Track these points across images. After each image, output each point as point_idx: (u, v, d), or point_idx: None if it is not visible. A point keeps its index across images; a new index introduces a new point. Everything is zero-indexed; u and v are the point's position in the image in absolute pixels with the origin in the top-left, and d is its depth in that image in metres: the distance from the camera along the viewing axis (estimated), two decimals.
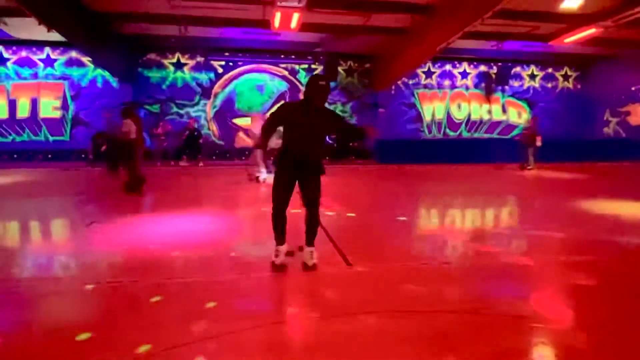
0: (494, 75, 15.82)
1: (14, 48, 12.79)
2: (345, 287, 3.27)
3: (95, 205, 6.89)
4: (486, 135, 16.26)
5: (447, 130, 16.08)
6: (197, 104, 14.07)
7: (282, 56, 14.32)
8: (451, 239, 4.92)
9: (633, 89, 16.38)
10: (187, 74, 13.93)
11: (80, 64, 13.23)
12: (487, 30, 11.57)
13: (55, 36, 9.85)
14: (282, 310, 2.98)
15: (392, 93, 15.35)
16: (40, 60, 13.11)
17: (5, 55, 12.85)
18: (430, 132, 15.97)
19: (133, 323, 2.61)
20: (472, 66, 15.89)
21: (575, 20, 10.79)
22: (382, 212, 6.32)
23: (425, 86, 15.80)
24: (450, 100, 15.99)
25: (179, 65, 13.86)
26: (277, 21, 10.29)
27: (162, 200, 7.54)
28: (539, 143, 11.59)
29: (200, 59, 13.85)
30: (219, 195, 8.07)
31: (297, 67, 14.61)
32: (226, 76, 14.17)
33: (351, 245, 4.37)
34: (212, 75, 14.06)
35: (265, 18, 10.59)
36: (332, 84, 14.65)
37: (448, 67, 15.78)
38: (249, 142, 11.08)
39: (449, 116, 16.04)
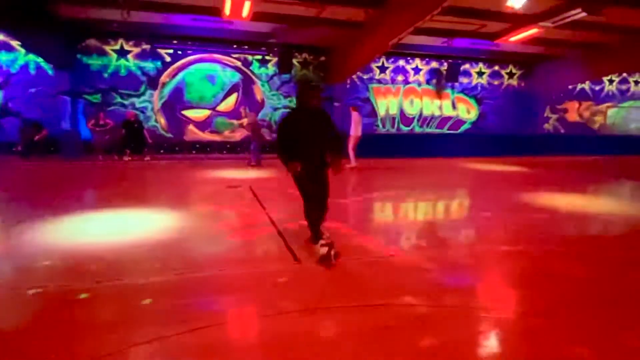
0: (444, 72, 16.28)
1: None
2: (291, 285, 3.17)
3: (25, 203, 6.28)
4: (437, 130, 16.75)
5: (401, 125, 16.38)
6: (143, 94, 13.28)
7: (235, 46, 13.84)
8: (399, 231, 4.94)
9: (570, 87, 17.57)
10: (131, 62, 13.09)
11: (9, 49, 12.04)
12: (437, 27, 11.86)
13: None
14: (225, 311, 2.81)
15: (347, 87, 15.35)
16: None
17: None
18: (384, 126, 16.18)
19: (62, 330, 2.40)
20: (424, 62, 16.25)
21: (519, 20, 11.28)
22: (334, 206, 6.25)
23: (379, 81, 15.96)
24: (404, 96, 16.28)
25: (122, 53, 12.98)
26: (227, 9, 9.90)
27: (100, 197, 7.06)
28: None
29: (145, 46, 13.05)
30: (164, 191, 7.66)
31: (250, 57, 14.19)
32: (174, 65, 13.47)
33: (301, 241, 4.26)
34: (159, 63, 13.31)
35: (215, 5, 10.14)
36: (286, 77, 14.45)
37: (401, 62, 16.04)
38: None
39: (402, 111, 16.33)
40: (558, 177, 10.48)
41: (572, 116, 18.28)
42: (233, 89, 14.14)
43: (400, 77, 16.16)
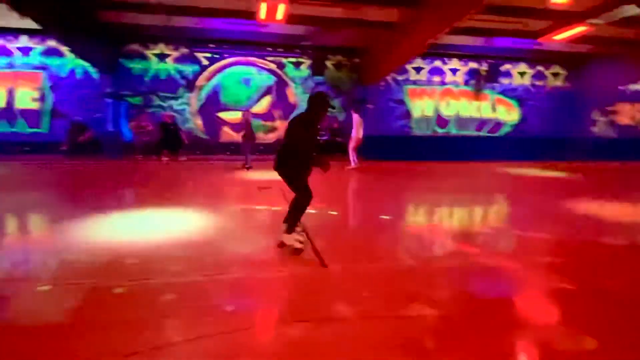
0: (483, 72, 15.71)
1: None
2: (318, 289, 3.10)
3: (68, 200, 6.59)
4: (475, 133, 16.18)
5: (436, 128, 15.95)
6: (181, 96, 13.69)
7: (269, 49, 13.99)
8: (433, 238, 4.75)
9: (621, 88, 16.43)
10: (170, 65, 13.53)
11: (59, 54, 12.77)
12: (476, 26, 11.43)
13: (32, 23, 9.43)
14: (251, 314, 2.76)
15: (381, 89, 15.13)
16: (18, 49, 12.62)
17: None
18: (419, 128, 15.81)
19: (93, 326, 2.44)
20: (462, 62, 15.75)
21: (565, 17, 10.68)
22: (365, 210, 6.13)
23: (414, 82, 15.62)
24: (440, 97, 15.85)
25: (162, 57, 13.45)
26: (262, 12, 10.02)
27: (137, 196, 7.28)
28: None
29: (184, 50, 13.46)
30: (198, 191, 7.81)
31: (284, 60, 14.30)
32: (211, 68, 13.79)
33: (328, 244, 4.20)
34: (196, 67, 13.69)
35: (251, 10, 10.28)
36: (320, 79, 14.45)
37: (438, 63, 15.62)
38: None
39: (438, 113, 15.90)
40: (606, 183, 9.80)
41: (624, 119, 17.09)
42: (267, 91, 14.29)
43: (436, 78, 15.75)
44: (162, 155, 12.22)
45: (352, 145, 10.90)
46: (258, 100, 14.20)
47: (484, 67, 15.60)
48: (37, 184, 8.20)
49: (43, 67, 12.80)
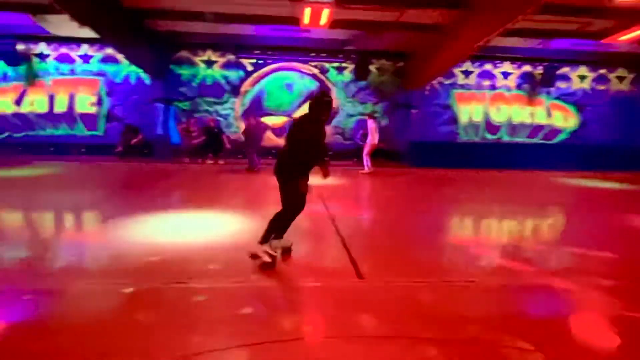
0: (538, 76, 14.79)
1: (55, 44, 13.24)
2: (352, 302, 2.92)
3: (118, 200, 6.87)
4: (528, 140, 15.24)
5: (486, 134, 15.21)
6: (226, 101, 14.03)
7: (312, 54, 14.01)
8: (480, 253, 4.41)
9: None
10: (217, 71, 13.92)
11: (115, 61, 13.53)
12: (532, 27, 10.74)
13: (91, 32, 10.03)
14: (280, 328, 2.63)
15: (427, 93, 14.67)
16: (79, 56, 13.52)
17: (46, 51, 13.33)
18: (466, 134, 15.16)
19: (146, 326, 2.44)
20: (514, 66, 14.92)
21: (632, 17, 9.77)
22: (408, 219, 5.86)
23: (462, 86, 15.01)
24: (490, 102, 15.11)
25: (209, 63, 13.87)
26: (306, 17, 10.02)
27: (182, 197, 7.46)
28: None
29: (230, 56, 13.80)
30: (238, 194, 7.87)
31: (327, 65, 14.27)
32: (255, 74, 14.03)
33: (367, 255, 4.02)
34: (241, 73, 13.98)
35: (295, 15, 10.32)
36: (363, 84, 14.26)
37: (488, 66, 14.91)
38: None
39: (487, 118, 15.16)
40: None
41: None
42: (309, 96, 14.31)
43: (486, 82, 15.03)
44: (207, 159, 12.57)
45: (366, 150, 11.35)
46: (300, 105, 14.24)
47: (539, 70, 14.69)
48: (92, 184, 8.67)
49: (101, 74, 13.62)
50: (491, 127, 15.18)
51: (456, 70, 14.70)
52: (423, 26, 11.02)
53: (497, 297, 3.16)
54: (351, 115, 14.59)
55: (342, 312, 2.80)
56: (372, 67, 14.18)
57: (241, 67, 13.97)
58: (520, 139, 15.23)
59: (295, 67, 14.15)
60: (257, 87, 14.11)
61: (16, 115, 13.44)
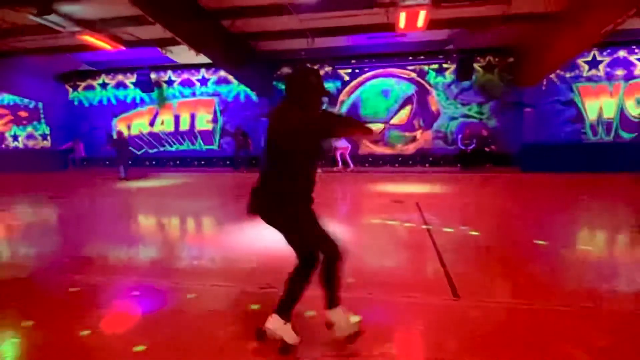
0: None
1: (179, 71, 15.21)
2: (447, 326, 2.68)
3: (229, 207, 7.53)
4: None
5: (620, 132, 12.96)
6: None
7: (410, 58, 13.62)
8: (604, 273, 3.70)
9: None
10: None
11: (227, 82, 14.96)
12: None
13: (206, 58, 11.29)
14: (369, 345, 2.46)
15: (543, 89, 13.10)
16: (198, 80, 15.29)
17: (173, 77, 15.38)
18: (595, 134, 13.11)
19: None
20: None
21: None
22: (516, 232, 5.23)
23: (589, 79, 13.05)
24: (625, 95, 12.85)
25: None
26: (402, 22, 9.75)
27: None
28: None
29: (328, 68, 14.18)
30: (333, 202, 7.94)
31: (426, 67, 13.72)
32: (352, 83, 14.18)
33: (466, 272, 3.67)
34: (338, 84, 14.26)
35: (389, 21, 10.16)
36: (467, 84, 13.37)
37: (622, 53, 12.72)
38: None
39: (622, 114, 12.91)
40: None
41: None
42: (407, 101, 13.91)
43: (620, 72, 12.84)
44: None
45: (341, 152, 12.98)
46: (398, 110, 13.92)
47: None
48: (209, 192, 9.74)
49: (216, 94, 15.19)
50: (628, 123, 12.88)
51: (580, 61, 12.86)
52: (534, 16, 9.88)
53: (619, 327, 2.59)
54: (454, 118, 13.76)
55: (431, 331, 2.59)
56: (476, 66, 13.20)
57: (338, 77, 14.25)
58: None
59: (392, 72, 13.92)
60: (354, 96, 14.22)
61: (150, 134, 15.75)
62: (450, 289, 3.25)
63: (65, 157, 15.50)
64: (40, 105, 16.06)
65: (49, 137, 16.24)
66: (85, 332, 2.65)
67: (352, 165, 13.10)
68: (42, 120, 16.23)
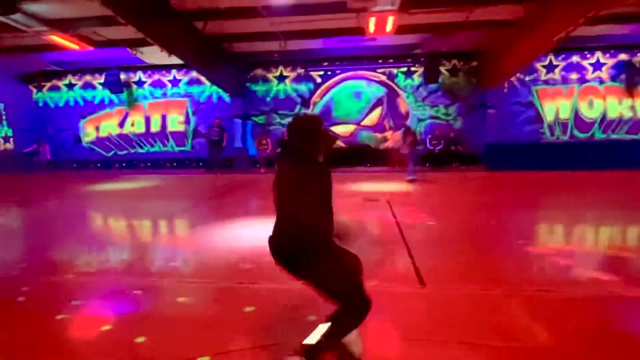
0: (639, 65, 13.13)
1: (149, 72, 15.00)
2: (410, 310, 2.94)
3: (202, 209, 7.58)
4: (629, 137, 13.55)
5: (575, 132, 13.85)
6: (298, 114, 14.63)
7: (380, 61, 14.05)
8: (560, 261, 4.09)
9: None
10: (288, 85, 14.61)
11: (199, 83, 14.89)
12: (625, 11, 9.64)
13: (178, 59, 11.24)
14: None
15: (505, 92, 13.82)
16: (169, 81, 15.13)
17: (143, 78, 15.15)
18: (553, 134, 13.95)
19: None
20: (607, 55, 13.44)
21: None
22: (480, 226, 5.62)
23: (546, 82, 13.88)
24: (579, 97, 13.75)
25: (281, 78, 14.63)
26: (371, 27, 10.10)
27: (257, 206, 7.94)
28: None
29: (300, 70, 14.40)
30: None
31: (395, 70, 14.18)
32: (324, 85, 14.45)
33: (432, 262, 3.96)
34: (311, 85, 14.50)
35: (360, 26, 10.48)
36: (434, 86, 13.90)
37: (575, 58, 13.62)
38: None
39: (577, 115, 13.81)
40: None
41: None
42: (377, 103, 14.32)
43: (574, 76, 13.73)
44: None
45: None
46: (369, 112, 14.31)
47: (639, 58, 13.05)
48: (182, 194, 9.68)
49: (187, 95, 15.09)
50: (582, 124, 13.79)
51: (538, 65, 13.67)
52: (496, 22, 10.49)
53: (572, 309, 2.93)
54: (421, 120, 14.29)
55: (400, 315, 2.84)
56: (443, 69, 13.77)
57: (311, 79, 14.49)
58: (618, 136, 13.61)
59: (363, 75, 14.30)
60: (326, 98, 14.50)
61: (120, 135, 15.44)
62: (417, 278, 3.53)
63: (30, 160, 14.97)
64: (1, 106, 15.43)
65: (11, 140, 15.63)
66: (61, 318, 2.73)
67: None
68: (4, 122, 15.59)
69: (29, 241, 5.67)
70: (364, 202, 7.55)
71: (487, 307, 2.94)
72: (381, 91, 14.27)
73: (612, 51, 13.33)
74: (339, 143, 12.66)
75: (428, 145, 13.91)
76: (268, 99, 14.71)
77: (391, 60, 14.00)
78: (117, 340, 2.59)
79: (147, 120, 15.29)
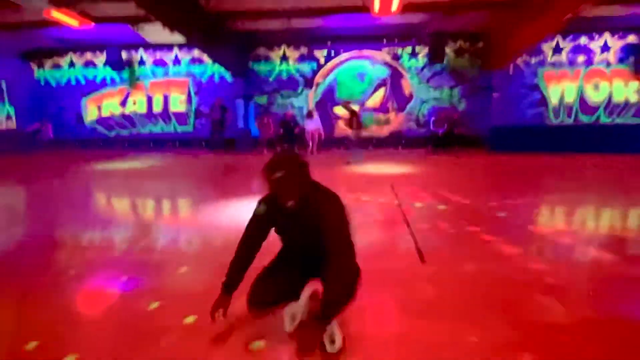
0: None
1: (151, 50, 14.83)
2: (412, 286, 3.01)
3: (205, 188, 7.64)
4: (634, 121, 13.45)
5: (580, 115, 13.75)
6: (301, 94, 14.52)
7: (385, 40, 13.84)
8: (559, 240, 4.14)
9: None
10: (291, 65, 14.45)
11: (201, 62, 14.74)
12: None
13: (180, 37, 11.08)
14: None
15: (510, 74, 13.66)
16: (171, 60, 14.98)
17: (145, 57, 14.99)
18: (557, 117, 13.85)
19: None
20: (615, 37, 13.21)
21: None
22: (480, 206, 5.65)
23: (552, 64, 13.69)
24: (585, 80, 13.59)
25: (284, 58, 14.45)
26: (376, 6, 9.91)
27: (257, 186, 8.00)
28: None
29: (303, 49, 14.21)
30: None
31: (399, 50, 13.99)
32: (327, 65, 14.29)
33: (433, 241, 4.03)
34: (314, 65, 14.33)
35: (364, 4, 10.29)
36: (439, 67, 13.74)
37: (583, 40, 13.39)
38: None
39: (582, 98, 13.68)
40: None
41: None
42: (381, 84, 14.19)
43: (581, 58, 13.53)
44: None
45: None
46: (372, 93, 14.19)
47: None
48: (185, 173, 9.73)
49: (190, 75, 14.96)
50: (587, 107, 13.67)
51: (544, 47, 13.46)
52: (502, 2, 10.27)
53: (578, 285, 2.99)
54: (424, 102, 14.18)
55: (400, 290, 2.91)
56: (448, 50, 13.57)
57: (314, 59, 14.32)
58: (623, 120, 13.51)
59: (367, 55, 14.11)
60: (329, 78, 14.36)
61: (122, 115, 15.40)
62: (418, 255, 3.59)
63: (33, 138, 14.98)
64: (3, 84, 15.33)
65: (13, 118, 15.60)
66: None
67: (315, 151, 12.85)
68: (6, 100, 15.53)
69: (39, 217, 5.76)
70: (366, 182, 7.56)
71: (488, 285, 3.00)
72: (385, 72, 14.11)
73: (620, 33, 13.10)
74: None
75: (432, 127, 13.84)
76: (271, 79, 14.57)
77: (396, 40, 13.79)
78: (132, 308, 2.68)
79: (149, 100, 15.20)
